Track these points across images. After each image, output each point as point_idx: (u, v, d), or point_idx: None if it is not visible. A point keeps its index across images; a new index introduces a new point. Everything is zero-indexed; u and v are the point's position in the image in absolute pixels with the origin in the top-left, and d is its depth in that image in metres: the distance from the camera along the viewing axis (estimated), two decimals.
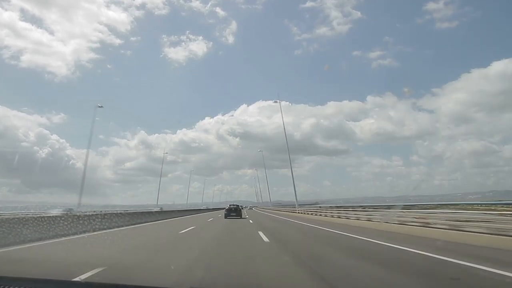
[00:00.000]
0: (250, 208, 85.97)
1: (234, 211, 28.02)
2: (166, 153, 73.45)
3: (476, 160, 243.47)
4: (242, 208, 39.23)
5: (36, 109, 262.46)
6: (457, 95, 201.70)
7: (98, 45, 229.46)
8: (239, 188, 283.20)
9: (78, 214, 15.25)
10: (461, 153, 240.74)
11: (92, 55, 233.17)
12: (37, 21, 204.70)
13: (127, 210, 26.78)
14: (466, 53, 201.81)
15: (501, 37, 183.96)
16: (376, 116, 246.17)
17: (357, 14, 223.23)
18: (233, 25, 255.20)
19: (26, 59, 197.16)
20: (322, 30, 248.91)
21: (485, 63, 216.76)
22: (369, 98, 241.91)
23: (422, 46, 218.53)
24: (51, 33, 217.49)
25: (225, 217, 26.93)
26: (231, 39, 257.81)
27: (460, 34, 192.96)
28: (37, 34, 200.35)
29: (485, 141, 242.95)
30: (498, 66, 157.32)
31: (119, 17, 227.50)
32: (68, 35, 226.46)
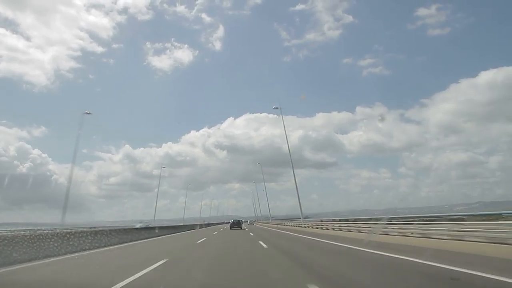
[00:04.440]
0: (251, 223, 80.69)
1: (236, 224, 39.86)
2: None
3: (463, 171, 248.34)
4: (242, 222, 50.63)
5: (15, 122, 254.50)
6: (446, 105, 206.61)
7: (79, 53, 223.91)
8: (226, 203, 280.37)
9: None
10: (448, 164, 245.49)
11: (72, 64, 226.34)
12: (11, 25, 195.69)
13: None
14: (455, 62, 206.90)
15: (489, 46, 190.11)
16: (365, 128, 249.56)
17: (349, 18, 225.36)
18: (220, 33, 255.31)
19: (2, 68, 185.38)
20: (312, 36, 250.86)
21: (473, 73, 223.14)
22: (359, 108, 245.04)
23: (414, 54, 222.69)
24: (28, 39, 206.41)
25: (230, 228, 38.31)
26: (218, 46, 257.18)
27: (451, 41, 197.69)
28: (12, 39, 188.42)
29: (472, 152, 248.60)
30: (486, 76, 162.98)
31: (100, 22, 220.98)
32: (46, 42, 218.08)
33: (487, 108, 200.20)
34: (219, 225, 69.98)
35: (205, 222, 70.87)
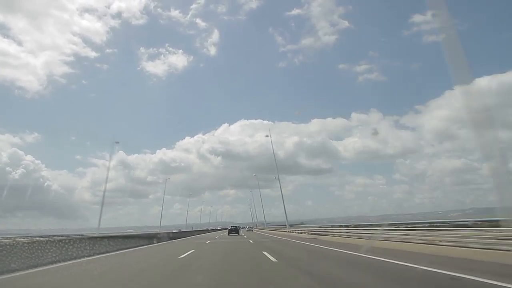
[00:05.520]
0: (249, 229, 73.71)
1: (234, 230, 42.85)
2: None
3: (457, 177, 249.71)
4: (240, 229, 52.05)
5: (8, 128, 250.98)
6: (441, 112, 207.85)
7: (72, 58, 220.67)
8: (221, 209, 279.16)
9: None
10: (442, 171, 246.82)
11: (65, 69, 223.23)
12: (2, 29, 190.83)
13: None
14: (449, 69, 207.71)
15: (483, 53, 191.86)
16: (360, 134, 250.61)
17: (345, 23, 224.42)
18: (215, 38, 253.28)
19: None
20: (308, 41, 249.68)
21: (467, 80, 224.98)
22: (354, 115, 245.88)
23: (409, 60, 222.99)
24: (19, 43, 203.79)
25: (228, 234, 40.19)
26: (212, 51, 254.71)
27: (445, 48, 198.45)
28: (3, 44, 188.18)
29: (466, 158, 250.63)
30: (479, 83, 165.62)
31: (93, 26, 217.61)
32: (39, 46, 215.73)
33: (481, 115, 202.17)
34: (207, 233, 56.17)
35: (176, 231, 54.16)
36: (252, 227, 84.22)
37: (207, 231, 69.37)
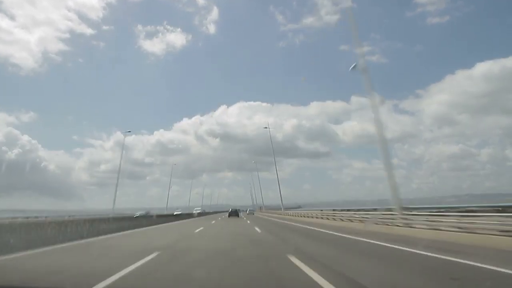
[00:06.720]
0: (251, 213, 67.19)
1: (234, 213, 44.67)
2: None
3: (454, 163, 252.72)
4: (240, 212, 53.46)
5: (3, 107, 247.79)
6: (441, 96, 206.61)
7: (67, 35, 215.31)
8: (218, 192, 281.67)
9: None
10: (440, 156, 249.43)
11: (61, 46, 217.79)
12: None
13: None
14: (453, 52, 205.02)
15: (487, 36, 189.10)
16: (359, 118, 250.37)
17: (348, 2, 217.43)
18: (214, 15, 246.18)
19: None
20: (309, 20, 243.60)
21: (469, 64, 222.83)
22: (353, 98, 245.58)
23: (412, 43, 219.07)
24: (12, 18, 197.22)
25: (229, 216, 42.06)
26: (212, 30, 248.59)
27: (449, 30, 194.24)
28: None
29: (464, 144, 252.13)
30: (482, 68, 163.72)
31: (89, 1, 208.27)
32: (32, 22, 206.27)
33: (481, 100, 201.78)
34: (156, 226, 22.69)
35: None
36: (254, 210, 75.58)
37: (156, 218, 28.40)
